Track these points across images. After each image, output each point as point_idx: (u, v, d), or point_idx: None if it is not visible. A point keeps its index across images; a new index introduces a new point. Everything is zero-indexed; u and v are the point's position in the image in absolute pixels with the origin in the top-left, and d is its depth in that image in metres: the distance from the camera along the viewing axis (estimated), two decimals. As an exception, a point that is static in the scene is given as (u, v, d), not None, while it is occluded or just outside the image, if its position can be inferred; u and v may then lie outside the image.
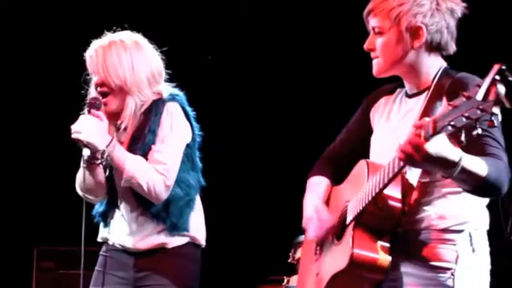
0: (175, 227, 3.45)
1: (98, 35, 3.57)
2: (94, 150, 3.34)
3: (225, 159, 5.77)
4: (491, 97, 2.18)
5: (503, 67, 2.17)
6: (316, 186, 3.06)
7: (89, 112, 3.42)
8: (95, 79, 3.49)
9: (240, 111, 5.94)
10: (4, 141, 6.16)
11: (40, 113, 6.10)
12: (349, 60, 3.76)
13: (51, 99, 6.02)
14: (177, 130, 3.46)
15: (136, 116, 3.48)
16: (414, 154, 2.41)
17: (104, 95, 3.46)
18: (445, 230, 2.69)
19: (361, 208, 2.69)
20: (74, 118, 3.54)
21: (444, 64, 2.82)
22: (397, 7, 2.75)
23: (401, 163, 2.51)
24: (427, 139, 2.38)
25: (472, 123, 2.23)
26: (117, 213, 3.54)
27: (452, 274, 2.66)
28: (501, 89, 2.18)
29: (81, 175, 3.46)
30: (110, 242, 3.56)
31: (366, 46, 2.86)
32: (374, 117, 2.98)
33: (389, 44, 2.78)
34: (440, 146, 2.41)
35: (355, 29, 3.05)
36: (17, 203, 6.06)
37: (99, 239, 3.61)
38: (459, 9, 2.78)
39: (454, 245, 2.68)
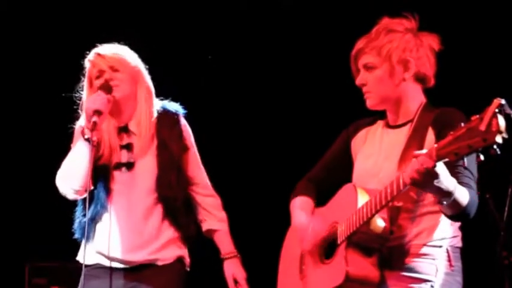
0: (189, 238, 3.59)
1: (98, 34, 3.58)
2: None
3: (224, 163, 5.73)
4: (494, 128, 2.42)
5: (503, 102, 2.42)
6: (304, 203, 3.32)
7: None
8: (97, 82, 3.53)
9: (240, 112, 5.89)
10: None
11: (30, 123, 6.05)
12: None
13: (47, 109, 5.99)
14: (195, 147, 3.70)
15: (147, 124, 3.50)
16: (423, 175, 2.65)
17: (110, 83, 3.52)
18: (425, 245, 2.97)
19: (354, 228, 2.94)
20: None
21: (424, 99, 3.11)
22: (387, 44, 3.06)
23: (405, 184, 2.75)
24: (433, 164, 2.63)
25: (474, 152, 2.48)
26: (112, 220, 3.51)
27: (432, 286, 2.94)
28: (502, 121, 2.42)
29: (73, 159, 3.46)
30: (95, 261, 3.52)
31: (357, 82, 3.14)
32: (355, 148, 3.26)
33: (383, 78, 3.07)
34: (441, 170, 2.68)
35: (359, 30, 3.22)
36: (8, 217, 6.02)
37: (81, 259, 3.56)
38: (436, 45, 3.09)
39: (433, 259, 2.96)
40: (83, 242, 3.55)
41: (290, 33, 5.70)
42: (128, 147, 3.56)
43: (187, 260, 3.62)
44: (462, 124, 2.55)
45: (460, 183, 2.81)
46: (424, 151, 2.68)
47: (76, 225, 3.57)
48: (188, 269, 3.63)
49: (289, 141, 5.68)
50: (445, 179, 2.71)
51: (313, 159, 3.47)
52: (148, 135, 3.54)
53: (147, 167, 3.54)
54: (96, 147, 3.42)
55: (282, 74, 5.74)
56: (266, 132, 5.78)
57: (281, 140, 5.72)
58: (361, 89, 3.15)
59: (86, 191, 3.43)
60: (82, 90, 3.62)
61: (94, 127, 3.36)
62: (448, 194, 2.74)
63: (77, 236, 3.56)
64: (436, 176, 2.67)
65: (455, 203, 2.78)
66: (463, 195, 2.80)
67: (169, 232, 3.54)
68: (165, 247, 3.52)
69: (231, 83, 5.87)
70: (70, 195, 3.49)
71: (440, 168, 2.68)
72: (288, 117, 5.72)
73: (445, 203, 2.78)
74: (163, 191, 3.51)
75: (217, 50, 5.90)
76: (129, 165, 3.52)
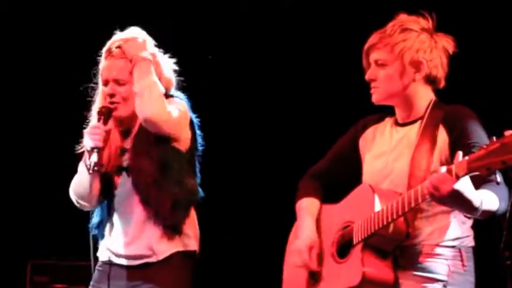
0: (172, 228, 3.48)
1: (99, 34, 3.59)
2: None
3: (225, 163, 5.75)
4: None
5: None
6: (311, 206, 3.30)
7: (99, 120, 3.47)
8: (104, 89, 3.52)
9: (240, 112, 5.90)
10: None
11: (31, 120, 6.06)
12: (354, 61, 3.81)
13: (47, 108, 6.00)
14: (183, 109, 3.51)
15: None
16: (442, 190, 2.66)
17: (113, 97, 3.48)
18: (438, 245, 2.98)
19: (373, 231, 2.95)
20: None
21: (434, 97, 3.11)
22: (401, 42, 3.04)
23: (426, 196, 2.76)
24: (458, 178, 2.64)
25: (508, 168, 2.50)
26: (114, 222, 3.54)
27: (444, 286, 2.96)
28: None
29: (81, 182, 3.51)
30: (106, 258, 3.56)
31: (367, 77, 3.12)
32: (363, 145, 3.24)
33: (393, 76, 3.06)
34: (467, 187, 2.68)
35: (359, 30, 3.25)
36: (10, 215, 6.02)
37: (99, 255, 3.62)
38: (450, 47, 3.08)
39: (446, 259, 2.98)
40: (94, 240, 3.64)
41: (290, 33, 5.71)
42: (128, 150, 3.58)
43: (190, 248, 3.54)
44: (494, 138, 2.54)
45: (488, 180, 2.78)
46: (460, 156, 2.64)
47: (90, 224, 3.64)
48: (196, 253, 3.56)
49: (289, 142, 5.69)
50: (470, 195, 2.71)
51: (311, 161, 3.47)
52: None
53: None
54: (100, 168, 3.46)
55: (282, 74, 5.75)
56: (267, 131, 5.80)
57: (281, 140, 5.74)
58: (369, 84, 3.14)
59: (98, 202, 3.57)
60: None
61: (95, 165, 3.41)
62: (473, 209, 2.75)
63: (92, 233, 3.63)
64: (457, 194, 2.68)
65: (483, 214, 2.79)
66: (492, 204, 2.80)
67: (159, 227, 3.53)
68: (161, 241, 3.50)
69: (231, 83, 5.88)
70: (84, 209, 3.61)
71: (464, 186, 2.67)
72: (288, 117, 5.74)
73: (473, 217, 2.81)
74: (140, 187, 3.50)
75: (217, 50, 5.91)
76: (127, 169, 3.54)
